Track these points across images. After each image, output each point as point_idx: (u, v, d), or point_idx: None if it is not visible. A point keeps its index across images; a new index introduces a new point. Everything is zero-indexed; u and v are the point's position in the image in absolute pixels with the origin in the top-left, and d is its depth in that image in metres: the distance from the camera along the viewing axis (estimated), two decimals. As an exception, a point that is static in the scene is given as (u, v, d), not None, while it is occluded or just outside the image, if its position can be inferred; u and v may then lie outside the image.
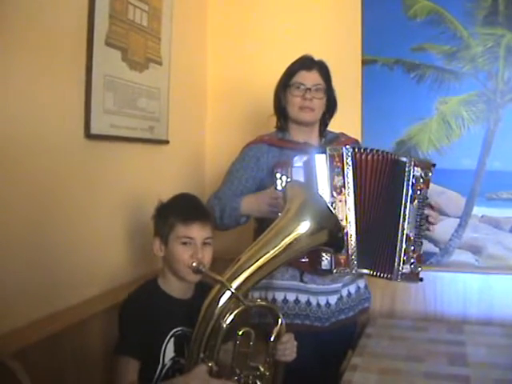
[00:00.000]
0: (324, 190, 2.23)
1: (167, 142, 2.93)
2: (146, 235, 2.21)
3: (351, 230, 2.26)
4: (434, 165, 2.31)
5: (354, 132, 2.83)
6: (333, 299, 2.43)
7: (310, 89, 2.44)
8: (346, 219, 2.25)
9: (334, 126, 2.63)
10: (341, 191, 2.24)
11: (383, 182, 2.29)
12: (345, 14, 3.31)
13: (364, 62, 3.27)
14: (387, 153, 2.31)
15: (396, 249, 2.27)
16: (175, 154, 3.05)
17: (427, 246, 3.16)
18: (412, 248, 2.27)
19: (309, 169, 2.26)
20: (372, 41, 3.25)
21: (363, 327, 2.76)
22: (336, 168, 2.24)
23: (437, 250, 3.19)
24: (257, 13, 3.43)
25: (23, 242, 1.97)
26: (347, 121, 3.08)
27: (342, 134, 2.61)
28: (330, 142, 2.53)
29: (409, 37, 3.20)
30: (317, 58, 2.52)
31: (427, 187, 2.28)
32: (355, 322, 2.63)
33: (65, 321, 2.05)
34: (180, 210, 2.04)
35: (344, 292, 2.48)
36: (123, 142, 2.55)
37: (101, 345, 2.16)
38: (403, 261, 2.27)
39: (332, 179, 2.23)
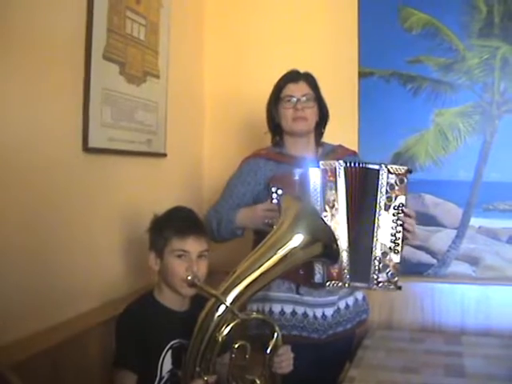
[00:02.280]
0: (317, 204, 2.24)
1: (165, 155, 2.94)
2: (144, 248, 2.22)
3: (343, 243, 2.25)
4: (409, 171, 2.28)
5: (351, 144, 2.84)
6: (329, 311, 2.44)
7: (299, 99, 2.48)
8: (339, 233, 2.25)
9: (330, 139, 2.64)
10: (333, 205, 2.25)
11: (362, 192, 2.29)
12: (341, 27, 3.33)
13: (360, 75, 3.28)
14: (361, 162, 2.31)
15: (371, 258, 2.27)
16: (173, 166, 3.06)
17: (424, 257, 3.18)
18: (388, 257, 2.27)
19: (303, 183, 2.27)
20: (368, 53, 3.27)
21: (358, 338, 2.75)
22: (329, 182, 2.25)
23: (434, 261, 3.20)
24: (254, 26, 3.45)
25: (20, 255, 1.97)
26: (344, 133, 3.10)
27: (340, 146, 2.63)
28: (328, 153, 2.55)
29: (405, 49, 3.22)
30: (302, 70, 2.56)
31: (403, 194, 2.26)
32: (353, 334, 2.62)
33: (63, 333, 2.06)
34: (175, 223, 2.05)
35: (341, 304, 2.49)
36: (121, 156, 2.56)
37: (99, 357, 2.17)
38: (379, 269, 2.27)
39: (325, 193, 2.25)
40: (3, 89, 1.88)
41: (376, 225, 2.26)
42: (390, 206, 2.26)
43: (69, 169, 2.22)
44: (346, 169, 2.26)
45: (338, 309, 2.47)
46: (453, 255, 3.18)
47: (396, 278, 2.28)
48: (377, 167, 2.28)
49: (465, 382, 2.22)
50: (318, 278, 2.26)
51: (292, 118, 2.48)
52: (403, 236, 2.28)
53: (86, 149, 2.29)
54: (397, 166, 2.28)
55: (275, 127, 2.57)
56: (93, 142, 2.31)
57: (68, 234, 2.21)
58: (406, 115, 3.22)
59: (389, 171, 2.26)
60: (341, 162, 2.28)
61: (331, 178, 2.25)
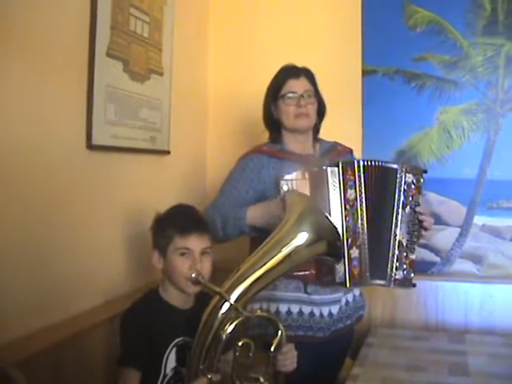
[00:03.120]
0: (336, 202, 2.22)
1: (168, 152, 2.94)
2: (147, 245, 2.22)
3: (364, 241, 2.25)
4: (425, 171, 2.34)
5: (355, 142, 2.84)
6: (335, 309, 2.43)
7: (302, 95, 2.45)
8: (359, 232, 2.24)
9: (334, 136, 2.62)
10: (353, 204, 2.23)
11: (380, 190, 2.30)
12: (345, 25, 3.33)
13: (364, 72, 3.28)
14: (379, 161, 2.31)
15: (389, 255, 2.28)
16: (176, 164, 3.06)
17: (428, 256, 3.17)
18: (404, 254, 2.28)
19: (317, 181, 2.24)
20: (372, 51, 3.27)
21: (361, 336, 2.74)
22: (349, 181, 2.23)
23: (438, 259, 3.20)
24: (258, 23, 3.45)
25: (24, 253, 1.97)
26: (348, 130, 3.11)
27: (338, 144, 2.61)
28: (327, 151, 2.53)
29: (409, 47, 3.22)
30: (300, 65, 2.53)
31: (419, 193, 2.30)
32: (352, 330, 2.60)
33: (66, 331, 2.05)
34: (177, 221, 2.04)
35: (343, 301, 2.48)
36: (124, 153, 2.56)
37: (103, 355, 2.16)
38: (396, 267, 2.28)
39: (345, 192, 2.23)
40: (6, 86, 1.88)
41: (393, 223, 2.28)
42: (407, 205, 2.28)
43: (72, 166, 2.21)
44: (365, 167, 2.26)
45: (340, 306, 2.47)
46: (456, 253, 3.18)
47: (412, 275, 2.30)
48: (395, 166, 2.31)
49: (469, 380, 2.21)
50: (339, 277, 2.22)
51: (294, 115, 2.45)
52: (419, 234, 2.30)
53: (90, 146, 2.29)
54: (413, 166, 2.33)
55: (273, 123, 2.53)
56: (96, 140, 2.31)
57: (71, 231, 2.21)
58: (410, 113, 3.23)
59: (406, 170, 2.29)
60: (360, 160, 2.28)
61: (351, 177, 2.24)
